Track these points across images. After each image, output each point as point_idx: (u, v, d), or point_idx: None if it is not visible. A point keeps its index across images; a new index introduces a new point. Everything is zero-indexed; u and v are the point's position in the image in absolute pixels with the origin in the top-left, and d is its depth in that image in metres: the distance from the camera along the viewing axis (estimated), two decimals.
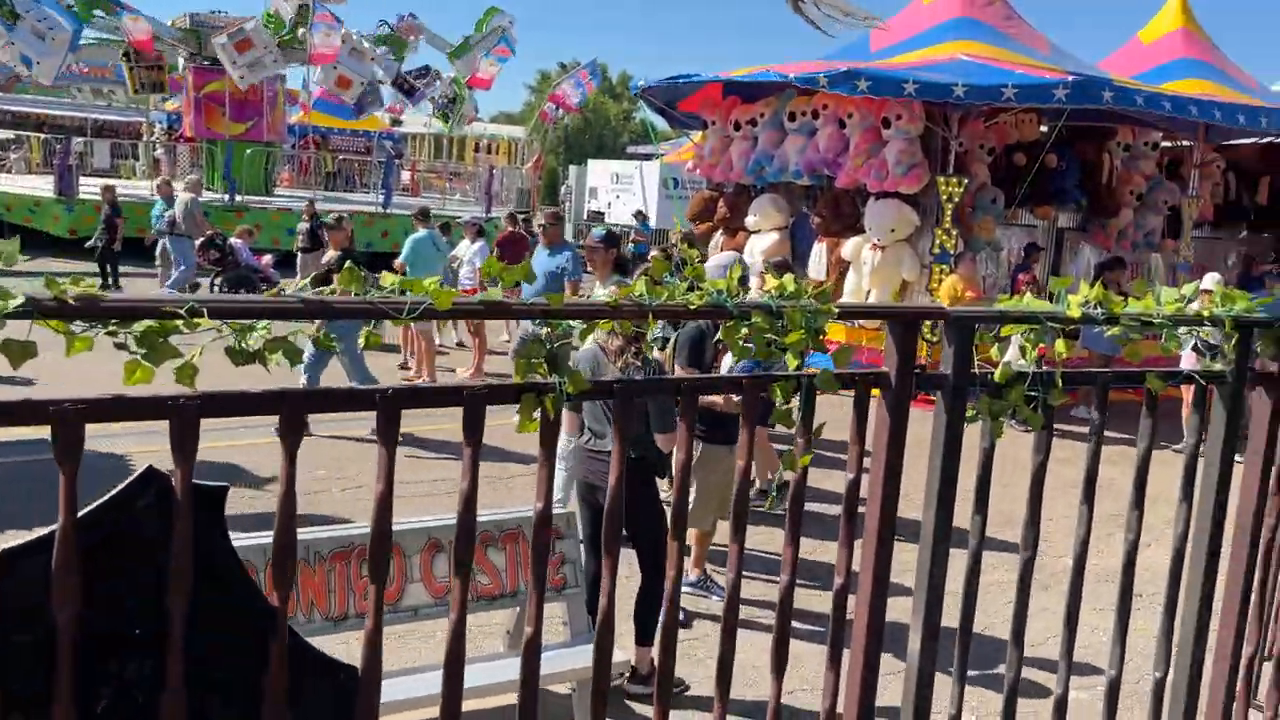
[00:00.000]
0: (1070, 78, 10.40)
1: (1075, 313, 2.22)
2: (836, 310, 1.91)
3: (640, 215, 24.22)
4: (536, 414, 1.69)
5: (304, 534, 3.57)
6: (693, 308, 1.76)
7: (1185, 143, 13.78)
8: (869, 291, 12.40)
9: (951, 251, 11.90)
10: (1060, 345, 2.34)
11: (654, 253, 7.47)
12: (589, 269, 7.07)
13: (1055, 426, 2.35)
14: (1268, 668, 3.20)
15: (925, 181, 11.70)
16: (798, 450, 2.04)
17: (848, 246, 12.51)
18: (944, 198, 11.80)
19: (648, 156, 29.82)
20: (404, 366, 11.67)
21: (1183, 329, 2.47)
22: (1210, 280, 10.45)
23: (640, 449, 4.69)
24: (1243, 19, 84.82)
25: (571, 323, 1.83)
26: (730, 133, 14.19)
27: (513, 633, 4.64)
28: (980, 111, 11.97)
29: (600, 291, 6.14)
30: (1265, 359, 2.59)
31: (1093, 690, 4.50)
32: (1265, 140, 13.97)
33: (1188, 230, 13.50)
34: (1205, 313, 2.41)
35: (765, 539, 6.26)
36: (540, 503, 1.76)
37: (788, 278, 1.89)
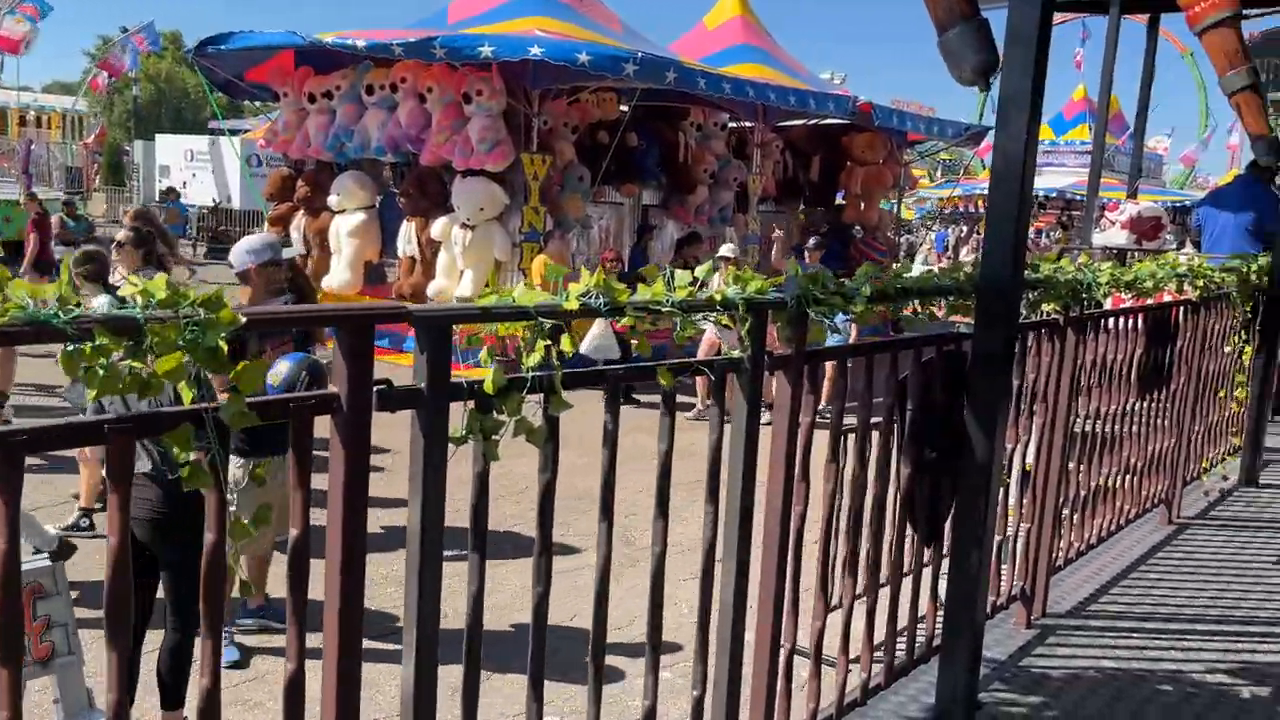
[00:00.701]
0: (640, 54, 10.65)
1: (573, 305, 1.91)
2: (243, 319, 1.42)
3: (171, 193, 21.97)
4: None
5: None
6: None
7: (748, 124, 14.79)
8: (463, 272, 12.06)
9: (541, 230, 11.86)
10: (566, 342, 2.02)
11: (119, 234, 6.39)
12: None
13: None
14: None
15: (511, 159, 11.51)
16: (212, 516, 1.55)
17: (437, 226, 12.06)
18: (530, 175, 11.71)
19: (234, 132, 27.31)
20: None
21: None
22: (728, 249, 11.12)
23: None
24: (794, 8, 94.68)
25: None
26: (306, 105, 13.17)
27: (62, 702, 3.73)
28: (561, 90, 12.00)
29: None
30: (782, 341, 2.47)
31: (674, 669, 4.45)
32: (813, 122, 15.36)
33: (754, 205, 14.52)
34: (717, 296, 2.22)
35: None
36: None
37: (160, 279, 1.36)
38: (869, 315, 2.65)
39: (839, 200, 16.84)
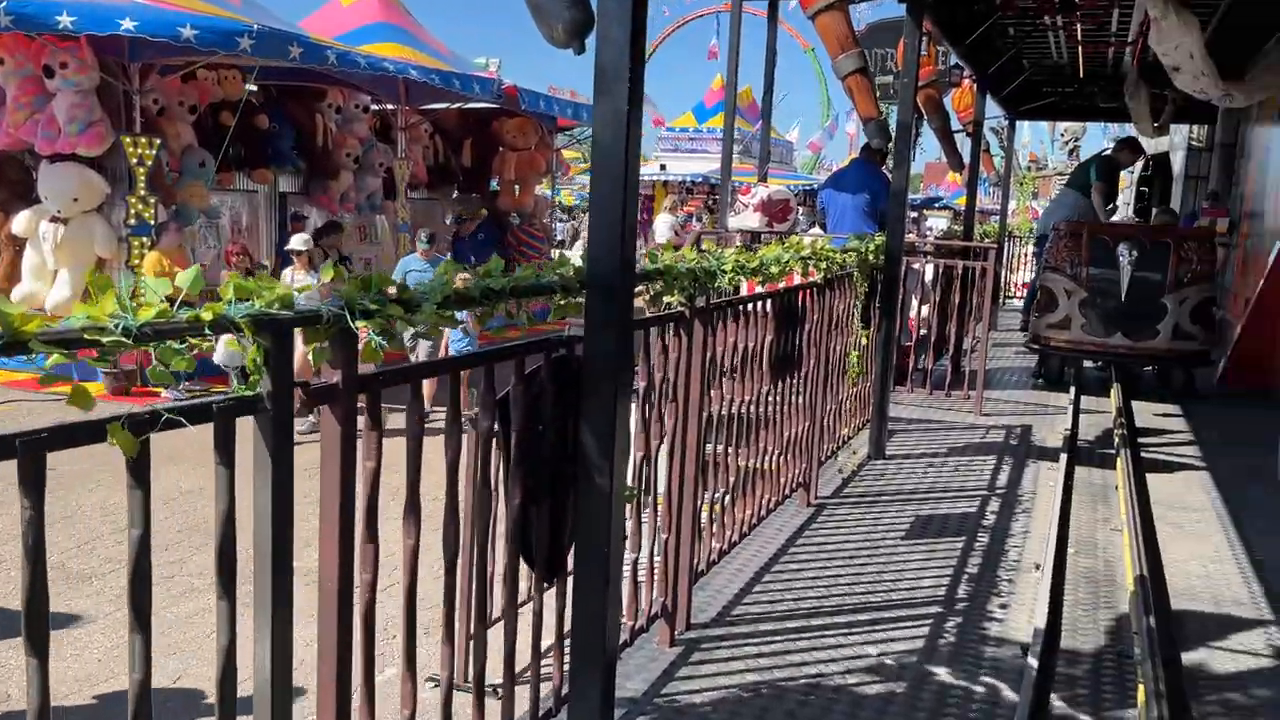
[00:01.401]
0: (258, 27, 9.54)
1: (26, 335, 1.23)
2: None
3: None
4: None
5: None
6: None
7: (391, 106, 13.97)
8: (56, 273, 10.34)
9: (151, 222, 10.39)
10: None
11: None
12: None
13: None
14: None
15: (109, 142, 9.99)
16: None
17: (19, 221, 10.28)
18: (134, 160, 10.21)
19: None
20: None
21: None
22: (298, 240, 10.14)
23: None
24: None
25: None
26: None
27: None
28: (171, 65, 10.58)
29: None
30: (318, 365, 1.92)
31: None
32: (458, 105, 14.78)
33: (403, 192, 13.75)
34: (206, 315, 1.61)
35: None
36: None
37: None
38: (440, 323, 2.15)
39: (494, 187, 16.41)
